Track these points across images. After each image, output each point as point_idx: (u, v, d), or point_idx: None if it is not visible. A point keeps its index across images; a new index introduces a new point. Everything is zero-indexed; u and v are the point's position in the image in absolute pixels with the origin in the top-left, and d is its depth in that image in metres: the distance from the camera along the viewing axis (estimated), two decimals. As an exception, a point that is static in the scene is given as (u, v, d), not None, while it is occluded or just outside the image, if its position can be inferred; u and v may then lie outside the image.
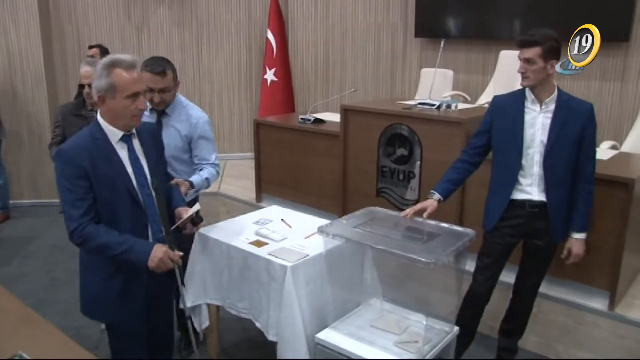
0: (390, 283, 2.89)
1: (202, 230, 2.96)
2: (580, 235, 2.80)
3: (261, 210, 3.46)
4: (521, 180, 2.78)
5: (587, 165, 2.75)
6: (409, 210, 2.78)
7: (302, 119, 4.84)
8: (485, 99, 5.21)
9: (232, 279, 2.86)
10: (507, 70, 5.21)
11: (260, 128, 5.03)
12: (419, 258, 2.29)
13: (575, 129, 2.68)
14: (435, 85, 4.34)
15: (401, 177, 3.96)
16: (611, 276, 3.13)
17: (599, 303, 3.21)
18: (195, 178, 2.99)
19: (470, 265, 3.42)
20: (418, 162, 3.85)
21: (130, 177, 2.22)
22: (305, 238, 2.90)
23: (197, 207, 2.48)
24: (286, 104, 6.47)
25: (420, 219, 2.77)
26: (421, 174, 3.85)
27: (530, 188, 2.76)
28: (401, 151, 3.93)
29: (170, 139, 2.98)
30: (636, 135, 4.25)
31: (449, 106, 3.93)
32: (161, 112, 3.04)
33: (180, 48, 6.62)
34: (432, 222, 2.74)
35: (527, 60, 2.65)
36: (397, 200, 4.04)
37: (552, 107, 2.71)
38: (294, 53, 6.67)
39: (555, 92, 2.72)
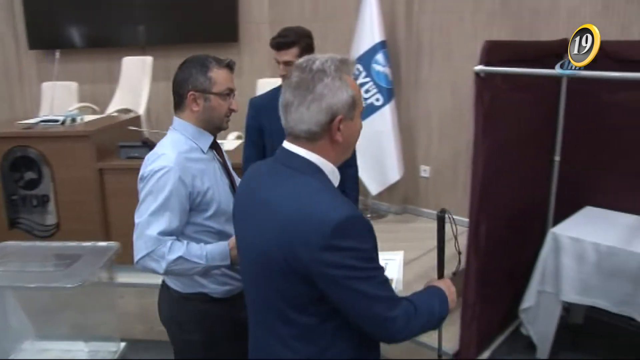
0: (42, 319, 2.67)
1: None
2: None
3: None
4: None
5: None
6: None
7: None
8: (113, 107, 5.13)
9: None
10: (131, 76, 5.24)
11: None
12: (64, 285, 2.17)
13: None
14: (59, 100, 4.11)
15: (35, 203, 3.64)
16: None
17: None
18: None
19: (125, 278, 3.38)
20: (51, 184, 3.58)
21: None
22: None
23: None
24: None
25: (57, 244, 2.61)
26: (57, 196, 3.59)
27: None
28: (29, 175, 3.60)
29: None
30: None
31: (74, 120, 3.75)
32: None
33: None
34: (73, 244, 2.61)
35: (286, 63, 2.49)
36: (37, 228, 3.69)
37: None
38: None
39: None
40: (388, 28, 4.47)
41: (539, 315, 3.05)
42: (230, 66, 1.89)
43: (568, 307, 3.28)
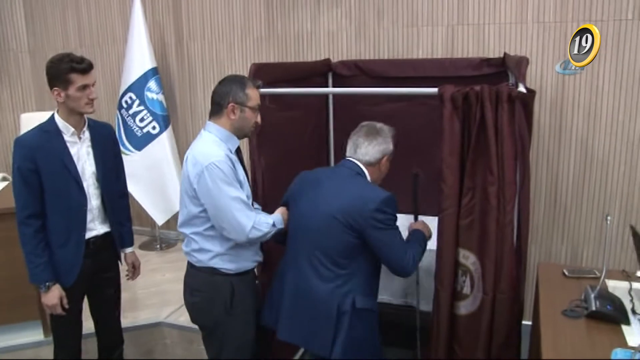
0: None
1: None
2: (132, 249, 2.92)
3: None
4: None
5: (121, 181, 2.82)
6: None
7: None
8: None
9: None
10: None
11: None
12: None
13: (112, 153, 2.72)
14: None
15: None
16: (39, 304, 3.13)
17: (33, 335, 3.18)
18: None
19: None
20: None
21: None
22: None
23: None
24: None
25: None
26: None
27: (93, 223, 2.61)
28: None
29: None
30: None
31: None
32: None
33: None
34: None
35: (88, 86, 2.46)
36: None
37: (87, 135, 2.57)
38: None
39: (86, 120, 2.57)
40: (159, 55, 4.44)
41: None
42: (260, 87, 2.39)
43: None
